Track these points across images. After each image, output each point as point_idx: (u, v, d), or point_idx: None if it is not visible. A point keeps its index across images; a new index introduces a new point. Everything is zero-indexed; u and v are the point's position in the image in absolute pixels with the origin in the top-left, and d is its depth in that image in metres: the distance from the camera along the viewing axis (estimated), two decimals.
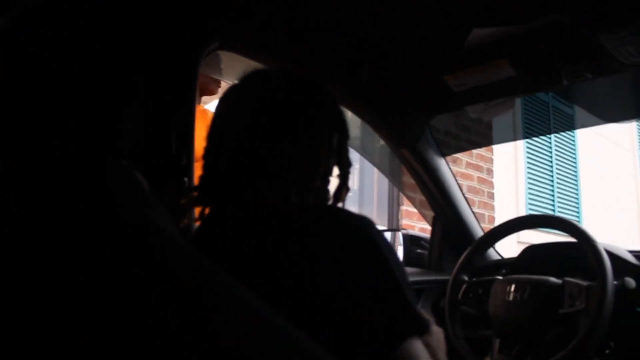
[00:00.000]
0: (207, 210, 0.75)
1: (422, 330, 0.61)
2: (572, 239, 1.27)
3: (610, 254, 1.19)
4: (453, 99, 1.34)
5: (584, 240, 1.20)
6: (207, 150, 0.74)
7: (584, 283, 1.16)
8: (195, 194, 0.74)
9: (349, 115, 1.91)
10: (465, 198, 1.67)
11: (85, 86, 0.53)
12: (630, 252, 1.28)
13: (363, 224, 0.64)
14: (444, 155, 1.58)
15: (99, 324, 0.40)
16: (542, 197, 4.74)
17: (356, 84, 1.26)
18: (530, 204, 4.54)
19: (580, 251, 1.21)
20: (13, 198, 0.46)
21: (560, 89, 1.59)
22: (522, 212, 4.33)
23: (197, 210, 0.78)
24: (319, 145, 0.72)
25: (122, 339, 0.39)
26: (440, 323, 0.90)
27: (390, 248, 0.64)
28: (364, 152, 1.96)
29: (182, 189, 0.87)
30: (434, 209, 1.65)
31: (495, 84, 1.25)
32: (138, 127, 0.59)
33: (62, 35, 0.53)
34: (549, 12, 1.03)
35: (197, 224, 0.77)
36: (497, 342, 1.30)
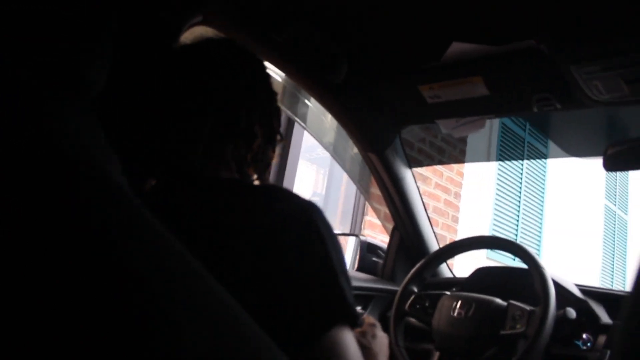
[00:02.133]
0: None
1: (351, 319, 0.61)
2: (523, 266, 1.29)
3: (557, 284, 1.21)
4: (426, 111, 1.35)
5: (533, 265, 1.22)
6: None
7: (527, 307, 1.18)
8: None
9: (329, 118, 1.90)
10: (427, 214, 1.68)
11: (56, 21, 0.51)
12: (577, 285, 1.31)
13: (307, 207, 0.64)
14: (411, 166, 1.59)
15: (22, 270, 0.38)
16: (505, 226, 4.82)
17: (333, 81, 1.26)
18: (493, 232, 4.61)
19: (529, 277, 1.23)
20: None
21: (531, 115, 1.62)
22: None
23: None
24: (251, 125, 0.74)
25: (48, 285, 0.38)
26: (385, 331, 0.91)
27: (332, 234, 0.64)
28: (336, 156, 1.95)
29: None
30: (394, 218, 1.66)
31: (469, 101, 1.26)
32: (103, 76, 0.57)
33: None
34: (526, 37, 1.04)
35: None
36: (436, 356, 1.30)
